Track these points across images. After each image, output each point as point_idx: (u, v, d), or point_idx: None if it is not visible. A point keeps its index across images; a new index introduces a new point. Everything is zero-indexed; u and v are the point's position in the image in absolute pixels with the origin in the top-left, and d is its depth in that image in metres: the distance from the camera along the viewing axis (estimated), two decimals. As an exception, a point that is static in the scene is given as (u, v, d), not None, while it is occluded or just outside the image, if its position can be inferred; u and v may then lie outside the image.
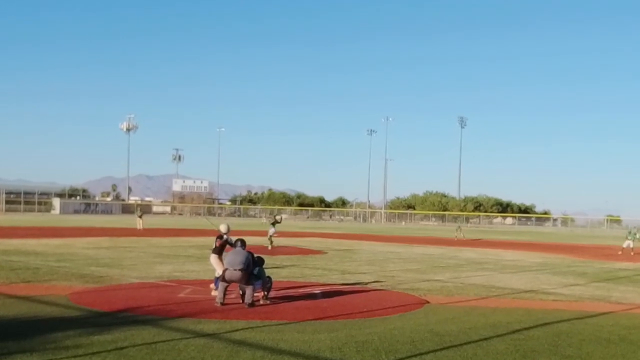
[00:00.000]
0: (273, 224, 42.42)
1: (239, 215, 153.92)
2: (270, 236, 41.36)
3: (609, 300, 20.81)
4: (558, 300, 20.25)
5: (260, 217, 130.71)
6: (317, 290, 20.33)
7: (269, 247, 39.79)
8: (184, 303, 16.94)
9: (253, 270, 17.35)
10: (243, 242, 17.86)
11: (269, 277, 17.93)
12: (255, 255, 18.14)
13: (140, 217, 62.78)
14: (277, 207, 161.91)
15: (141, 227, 60.92)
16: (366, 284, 22.85)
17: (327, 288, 21.11)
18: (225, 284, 16.97)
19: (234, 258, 17.08)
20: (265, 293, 17.66)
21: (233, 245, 18.70)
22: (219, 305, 16.57)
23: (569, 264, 36.25)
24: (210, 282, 19.92)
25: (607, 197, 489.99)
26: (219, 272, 18.45)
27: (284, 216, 62.28)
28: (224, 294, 16.95)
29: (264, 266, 18.14)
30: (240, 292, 17.33)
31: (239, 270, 16.82)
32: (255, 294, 17.20)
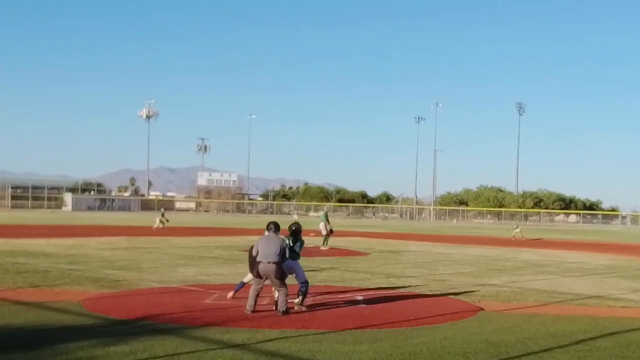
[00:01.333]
0: (326, 217, 42.91)
1: (272, 212, 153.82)
2: (327, 235, 41.67)
3: (685, 307, 20.59)
4: (627, 307, 20.06)
5: (293, 214, 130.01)
6: (358, 296, 20.31)
7: (324, 247, 40.58)
8: (210, 310, 16.92)
9: (294, 247, 17.27)
10: (277, 226, 17.25)
11: (305, 282, 17.59)
12: (292, 226, 18.02)
13: (163, 216, 62.33)
14: (313, 203, 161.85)
15: (160, 225, 60.52)
16: (413, 288, 22.86)
17: (370, 293, 21.08)
18: (258, 289, 16.75)
19: (268, 248, 16.63)
20: (300, 298, 17.48)
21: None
22: (249, 312, 16.43)
23: (640, 267, 35.90)
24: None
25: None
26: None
27: (320, 213, 61.91)
28: (255, 300, 16.73)
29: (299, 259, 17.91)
30: (275, 298, 17.20)
31: (274, 263, 16.51)
32: (290, 301, 17.09)
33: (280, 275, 16.72)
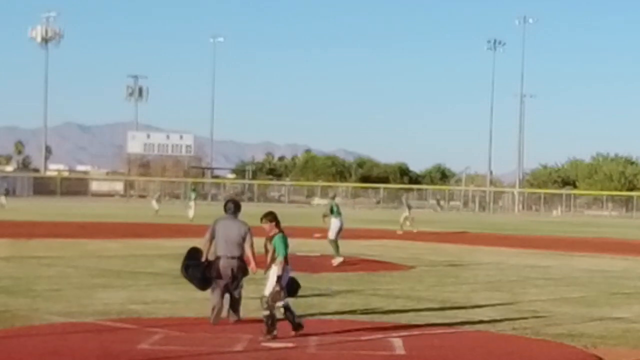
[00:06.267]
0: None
1: (251, 199, 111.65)
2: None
3: None
4: None
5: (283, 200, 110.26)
6: (394, 336, 15.99)
7: (338, 260, 28.69)
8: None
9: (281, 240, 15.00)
10: (237, 206, 15.59)
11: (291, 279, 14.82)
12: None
13: (194, 200, 56.39)
14: (320, 183, 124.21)
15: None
16: (486, 325, 17.88)
17: (414, 333, 16.56)
18: (221, 293, 15.04)
19: (229, 237, 15.08)
20: (292, 317, 14.62)
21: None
22: (213, 321, 15.00)
23: None
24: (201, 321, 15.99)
25: None
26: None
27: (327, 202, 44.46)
28: (220, 308, 15.06)
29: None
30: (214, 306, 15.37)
31: (237, 258, 15.06)
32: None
33: (242, 274, 15.34)
